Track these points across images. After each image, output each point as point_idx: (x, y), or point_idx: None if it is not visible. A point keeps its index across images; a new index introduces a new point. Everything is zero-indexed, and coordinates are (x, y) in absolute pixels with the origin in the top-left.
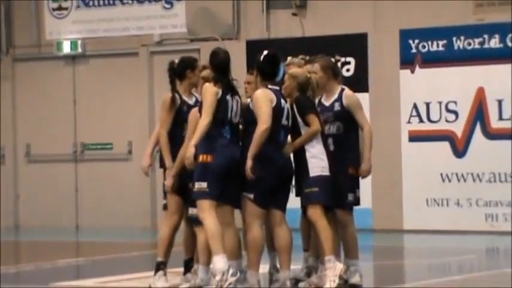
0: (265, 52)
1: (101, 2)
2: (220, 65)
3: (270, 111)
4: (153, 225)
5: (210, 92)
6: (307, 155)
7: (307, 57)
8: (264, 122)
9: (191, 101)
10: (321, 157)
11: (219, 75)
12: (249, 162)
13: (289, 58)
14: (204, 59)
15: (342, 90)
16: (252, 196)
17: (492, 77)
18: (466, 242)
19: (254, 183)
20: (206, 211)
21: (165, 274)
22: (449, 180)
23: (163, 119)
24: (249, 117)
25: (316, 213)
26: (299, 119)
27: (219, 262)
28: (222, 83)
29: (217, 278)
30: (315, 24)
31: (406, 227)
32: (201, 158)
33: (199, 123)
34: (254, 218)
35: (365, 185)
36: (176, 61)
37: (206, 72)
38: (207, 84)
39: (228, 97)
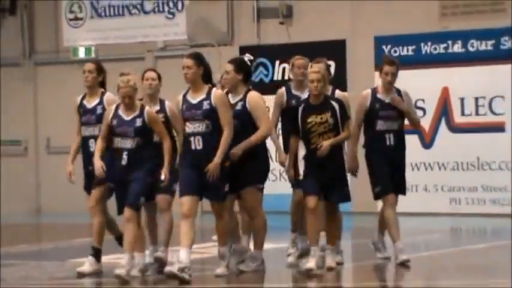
0: (252, 57)
1: (112, 13)
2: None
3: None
4: None
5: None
6: (345, 156)
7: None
8: (269, 129)
9: (89, 105)
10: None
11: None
12: (240, 153)
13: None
14: None
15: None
16: (262, 186)
17: (455, 78)
18: (433, 223)
19: (264, 175)
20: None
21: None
22: (418, 169)
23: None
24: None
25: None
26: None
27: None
28: None
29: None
30: (299, 31)
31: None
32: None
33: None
34: (260, 205)
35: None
36: None
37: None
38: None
39: None
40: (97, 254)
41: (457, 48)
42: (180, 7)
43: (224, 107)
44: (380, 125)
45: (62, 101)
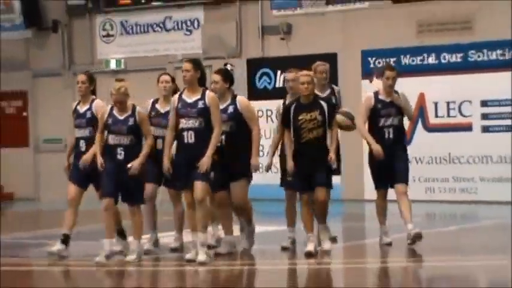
0: (234, 66)
1: (139, 30)
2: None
3: None
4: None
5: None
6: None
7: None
8: (259, 128)
9: (81, 110)
10: None
11: None
12: (258, 162)
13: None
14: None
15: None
16: (251, 180)
17: (430, 86)
18: (412, 209)
19: (251, 171)
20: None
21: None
22: None
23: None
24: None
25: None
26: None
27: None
28: None
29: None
30: (297, 46)
31: (367, 198)
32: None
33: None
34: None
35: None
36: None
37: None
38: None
39: None
40: (121, 233)
41: (432, 60)
42: (196, 26)
43: (216, 108)
44: (382, 122)
45: None
